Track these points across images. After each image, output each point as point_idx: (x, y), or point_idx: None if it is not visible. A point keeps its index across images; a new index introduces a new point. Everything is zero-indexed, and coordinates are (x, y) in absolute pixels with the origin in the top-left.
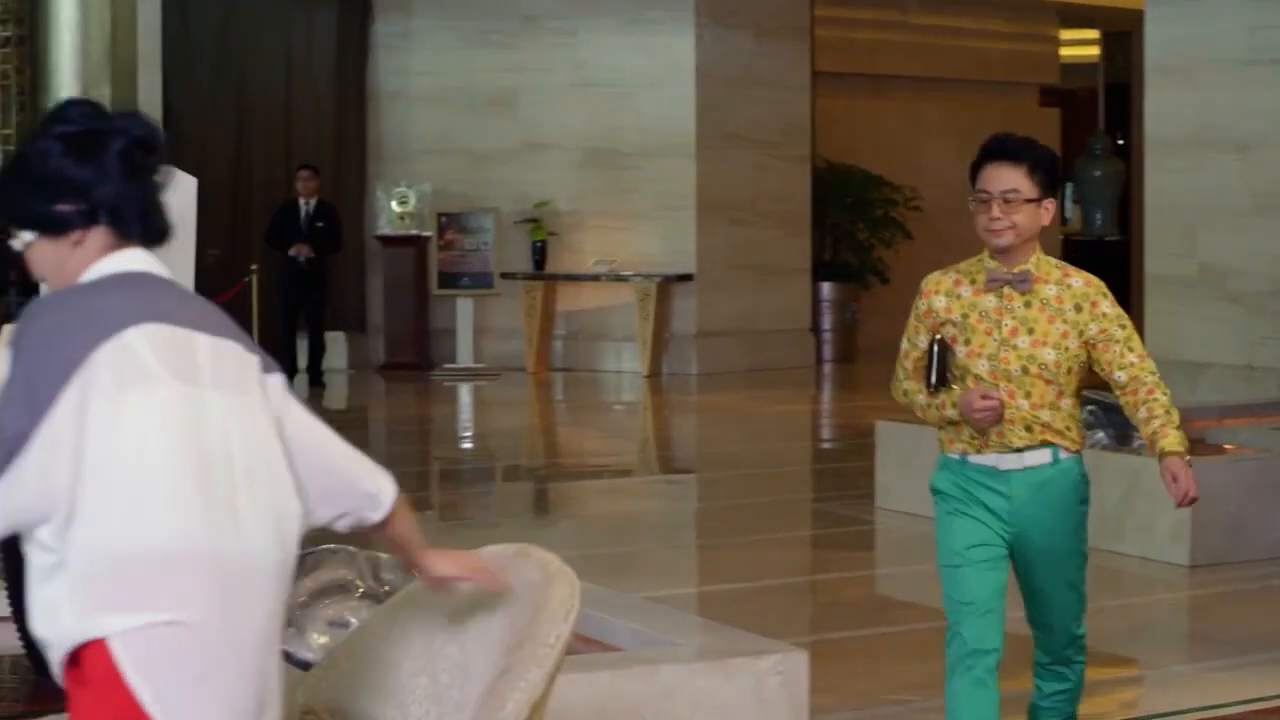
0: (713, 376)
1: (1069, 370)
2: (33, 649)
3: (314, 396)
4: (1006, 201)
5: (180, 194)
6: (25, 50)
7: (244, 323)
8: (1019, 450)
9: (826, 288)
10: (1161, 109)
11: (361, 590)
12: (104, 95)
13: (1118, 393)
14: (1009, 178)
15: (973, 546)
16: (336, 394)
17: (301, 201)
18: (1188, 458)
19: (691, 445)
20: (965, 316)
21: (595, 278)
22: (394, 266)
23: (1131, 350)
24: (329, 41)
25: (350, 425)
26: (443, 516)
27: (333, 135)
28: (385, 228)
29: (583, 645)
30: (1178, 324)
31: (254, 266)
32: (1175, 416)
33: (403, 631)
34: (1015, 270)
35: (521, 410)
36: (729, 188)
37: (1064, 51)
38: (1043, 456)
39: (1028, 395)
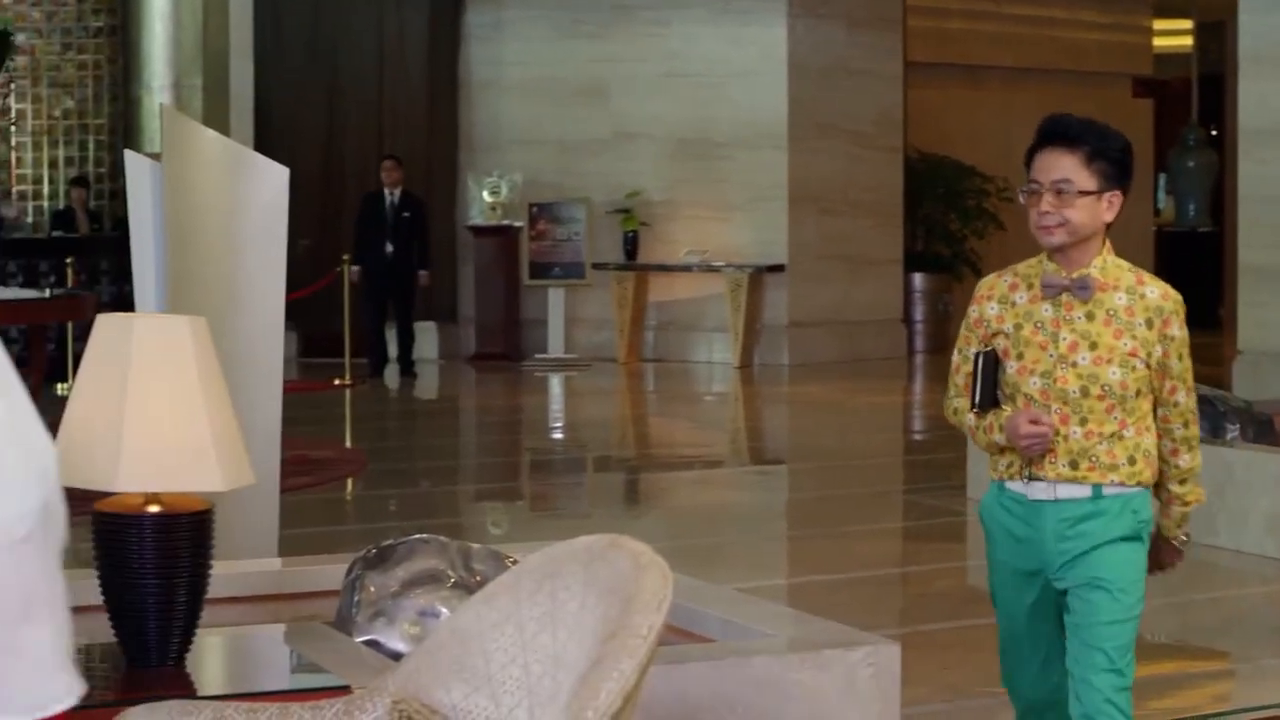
0: (804, 367)
1: (1137, 393)
2: (125, 637)
3: (404, 387)
4: (1059, 193)
5: (272, 184)
6: (117, 40)
7: (335, 313)
8: (1053, 481)
9: (918, 278)
10: (1255, 99)
11: (453, 580)
12: (195, 85)
13: None
14: (1063, 165)
15: (1011, 596)
16: (427, 384)
17: (386, 192)
18: (1182, 538)
19: (782, 436)
20: (1018, 327)
21: (687, 268)
22: (485, 256)
23: (1182, 389)
24: (421, 31)
25: (441, 415)
26: (534, 507)
27: (424, 125)
28: (476, 218)
29: (674, 636)
30: (1271, 315)
31: (345, 257)
32: (1188, 489)
33: (495, 621)
34: (1075, 275)
35: (612, 401)
36: (821, 178)
37: (1157, 42)
38: (1079, 490)
39: (1083, 422)
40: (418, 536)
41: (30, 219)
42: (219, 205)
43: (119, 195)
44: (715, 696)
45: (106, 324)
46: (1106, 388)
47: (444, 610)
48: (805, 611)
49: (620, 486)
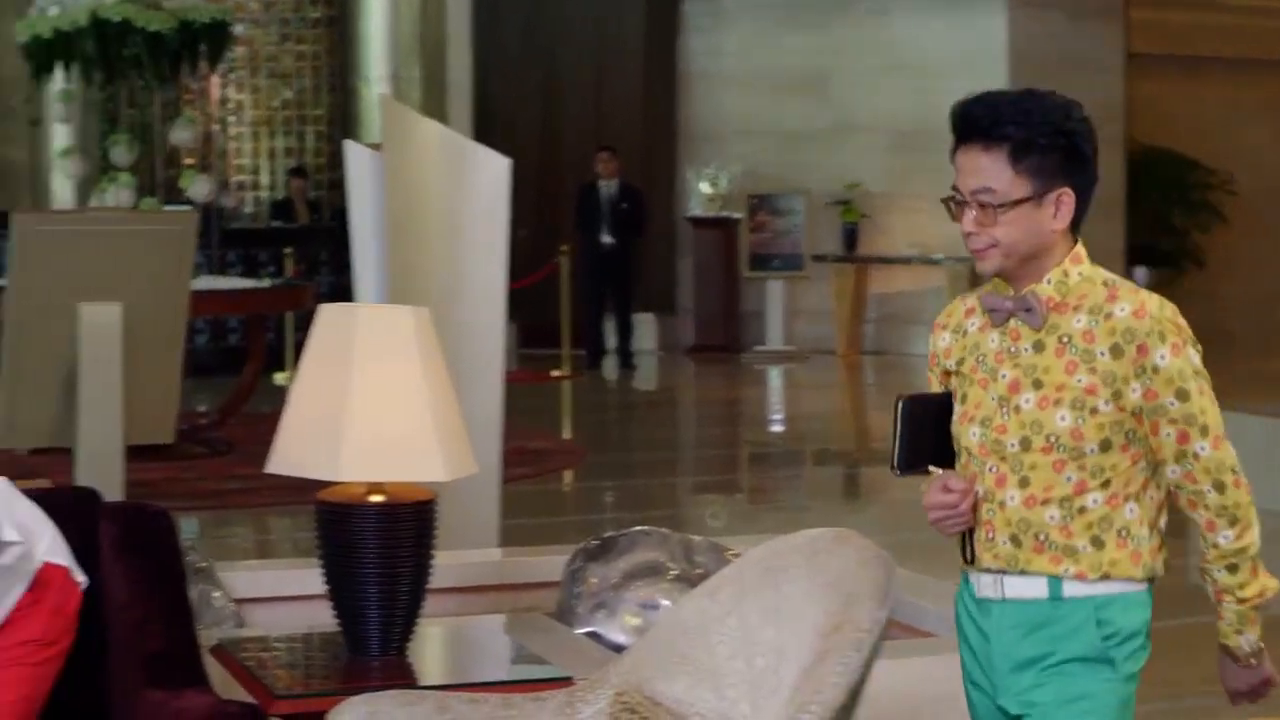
0: None
1: (1104, 446)
2: (347, 626)
3: (623, 378)
4: (981, 206)
5: (493, 174)
6: (335, 31)
7: (553, 304)
8: (997, 572)
9: (1140, 272)
10: None
11: (674, 573)
12: (413, 76)
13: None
14: (982, 169)
15: (976, 713)
16: (646, 376)
17: (602, 183)
18: (1246, 648)
19: None
20: (961, 362)
21: (906, 261)
22: (704, 248)
23: (1198, 436)
24: (639, 22)
25: (659, 407)
26: (752, 500)
27: (641, 116)
28: (695, 209)
29: (896, 631)
30: None
31: (563, 247)
32: (1243, 579)
33: (718, 614)
34: (1022, 294)
35: (831, 394)
36: None
37: None
38: (1031, 587)
39: (1023, 484)
40: (639, 529)
41: (249, 209)
42: (440, 196)
43: (337, 186)
44: (937, 692)
45: (329, 314)
46: (1053, 438)
47: (665, 602)
48: None
49: (839, 480)
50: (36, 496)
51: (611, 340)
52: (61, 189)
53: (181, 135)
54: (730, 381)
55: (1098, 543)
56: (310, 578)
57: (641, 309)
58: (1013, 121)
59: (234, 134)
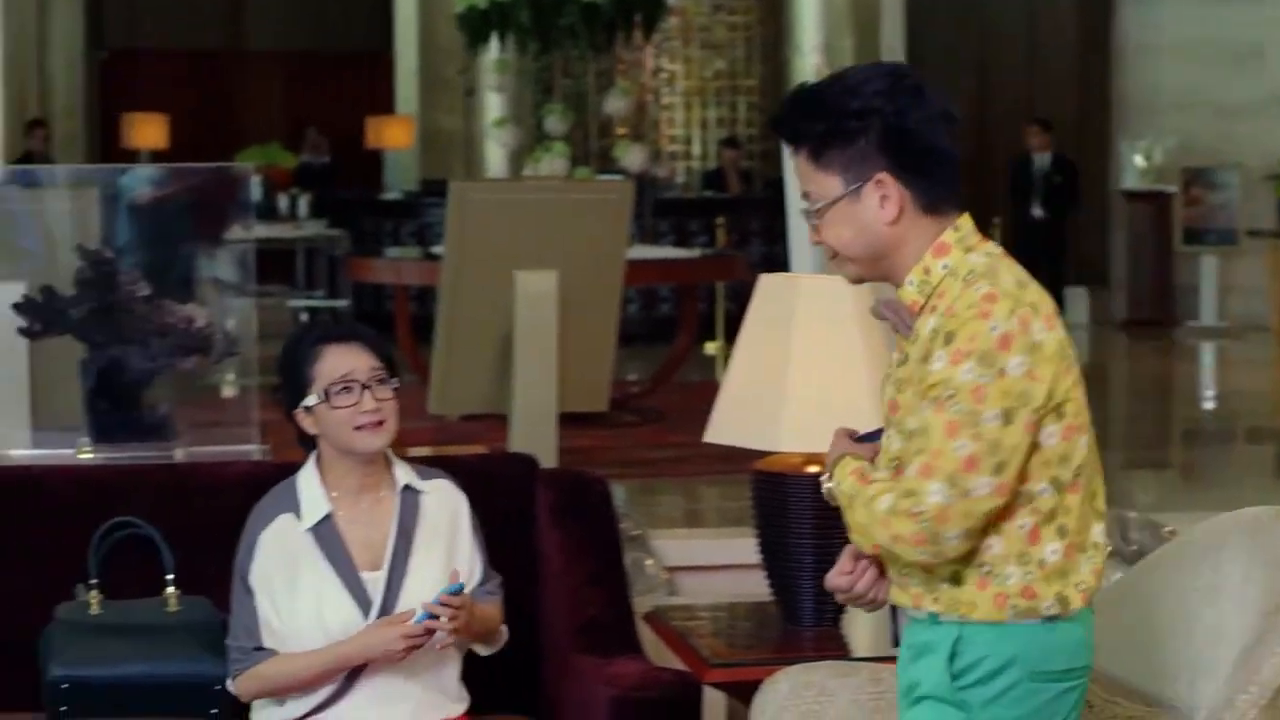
0: None
1: None
2: (781, 596)
3: None
4: (806, 214)
5: None
6: (767, 2)
7: None
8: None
9: None
10: None
11: (1108, 550)
12: (845, 46)
13: None
14: (799, 174)
15: None
16: (1078, 349)
17: (1035, 156)
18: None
19: None
20: (887, 377)
21: None
22: (1137, 222)
23: (910, 455)
24: None
25: (1090, 381)
26: (1184, 476)
27: (1075, 88)
28: (1128, 183)
29: None
30: None
31: (995, 220)
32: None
33: (1156, 593)
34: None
35: (1266, 371)
36: None
37: None
38: (915, 609)
39: None
40: None
41: (680, 179)
42: None
43: (770, 156)
44: None
45: (770, 284)
46: (895, 460)
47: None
48: None
49: (1272, 458)
50: (473, 461)
51: None
52: (495, 158)
53: (615, 105)
54: (1162, 356)
55: (955, 579)
56: (739, 547)
57: (1073, 282)
58: (803, 117)
59: (666, 104)
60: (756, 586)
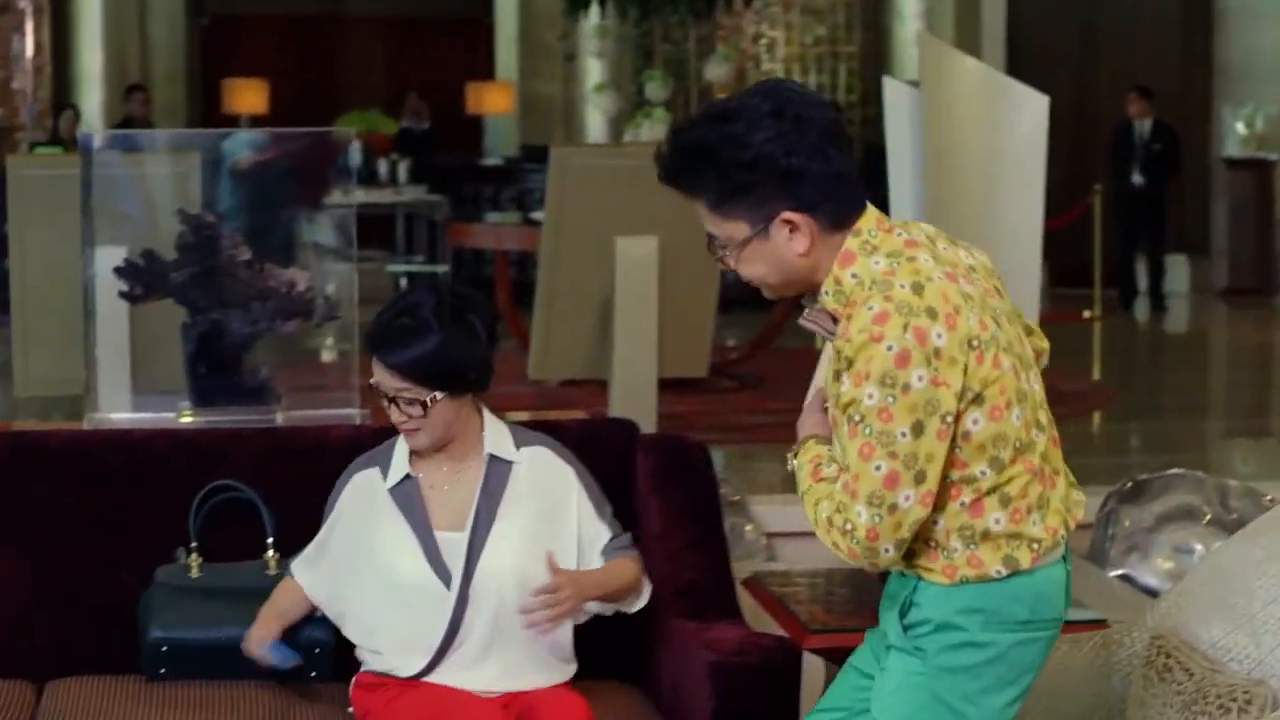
0: None
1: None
2: None
3: (1154, 320)
4: (720, 258)
5: (1031, 113)
6: None
7: (1085, 244)
8: None
9: None
10: None
11: (1209, 517)
12: (946, 13)
13: None
14: (702, 217)
15: None
16: (1176, 318)
17: (1135, 124)
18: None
19: None
20: None
21: None
22: (1237, 190)
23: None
24: None
25: (1190, 350)
26: None
27: (1177, 53)
28: (1230, 150)
29: None
30: None
31: (1096, 187)
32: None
33: (1258, 560)
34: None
35: None
36: None
37: None
38: None
39: None
40: (1173, 471)
41: None
42: (978, 133)
43: (869, 122)
44: None
45: None
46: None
47: (1198, 547)
48: None
49: None
50: (573, 426)
51: (1143, 281)
52: (595, 124)
53: (715, 71)
54: (1263, 325)
55: (907, 552)
56: None
57: (1174, 250)
58: (693, 173)
59: (766, 70)
60: None
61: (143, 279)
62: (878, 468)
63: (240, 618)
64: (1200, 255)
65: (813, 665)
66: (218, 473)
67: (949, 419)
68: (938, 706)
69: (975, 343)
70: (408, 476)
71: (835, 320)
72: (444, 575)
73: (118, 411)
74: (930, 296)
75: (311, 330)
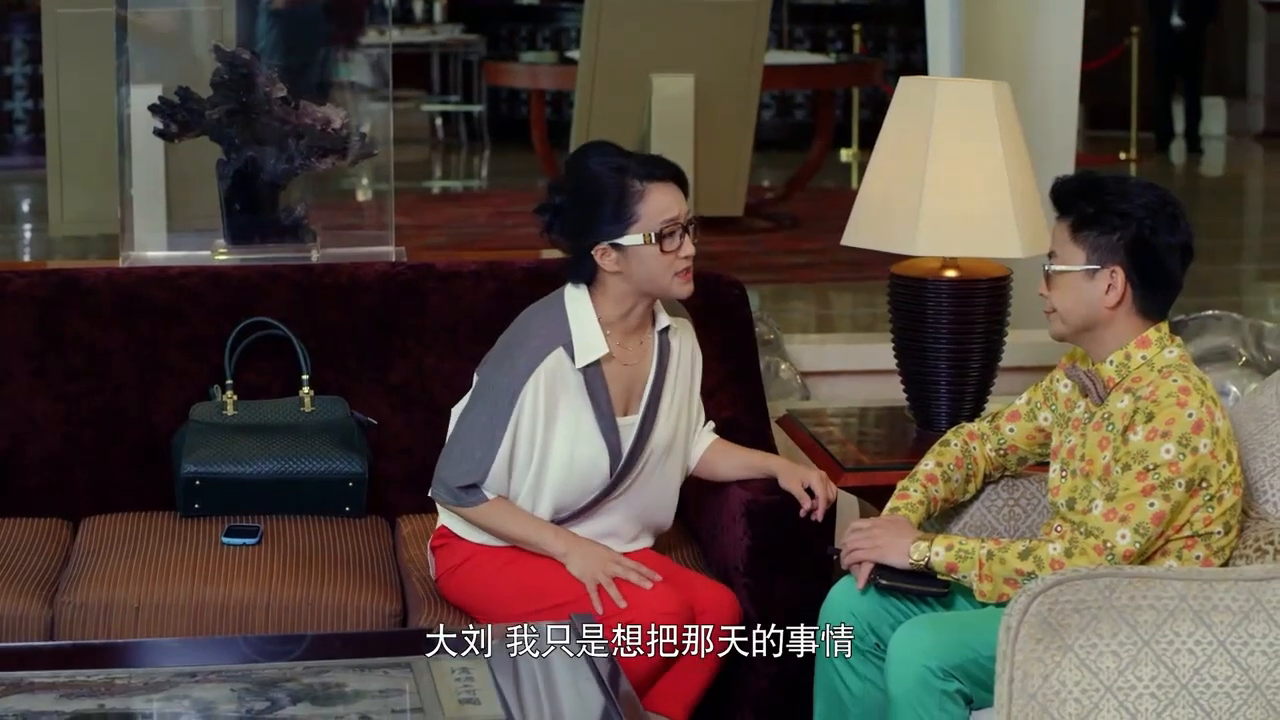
0: None
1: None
2: (915, 401)
3: (1190, 163)
4: (1047, 271)
5: None
6: None
7: (1122, 86)
8: None
9: None
10: None
11: (1244, 359)
12: None
13: None
14: (1056, 233)
15: None
16: (1213, 161)
17: None
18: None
19: None
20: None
21: None
22: (1275, 32)
23: (1099, 495)
24: None
25: (1225, 193)
26: None
27: None
28: None
29: None
30: None
31: (1133, 29)
32: (974, 578)
33: None
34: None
35: None
36: None
37: None
38: None
39: None
40: (1209, 313)
41: None
42: None
43: None
44: None
45: (909, 87)
46: (1070, 500)
47: (1233, 389)
48: None
49: None
50: None
51: (1180, 123)
52: None
53: None
54: None
55: None
56: (871, 353)
57: (1211, 93)
58: (1080, 196)
59: None
60: (888, 392)
61: (178, 116)
62: (1152, 504)
63: (274, 453)
64: (1237, 98)
65: (847, 503)
66: (253, 310)
67: (1207, 486)
68: None
69: (1234, 434)
70: (601, 357)
71: (1097, 386)
72: (615, 457)
73: (153, 250)
74: (1211, 389)
75: (347, 169)
